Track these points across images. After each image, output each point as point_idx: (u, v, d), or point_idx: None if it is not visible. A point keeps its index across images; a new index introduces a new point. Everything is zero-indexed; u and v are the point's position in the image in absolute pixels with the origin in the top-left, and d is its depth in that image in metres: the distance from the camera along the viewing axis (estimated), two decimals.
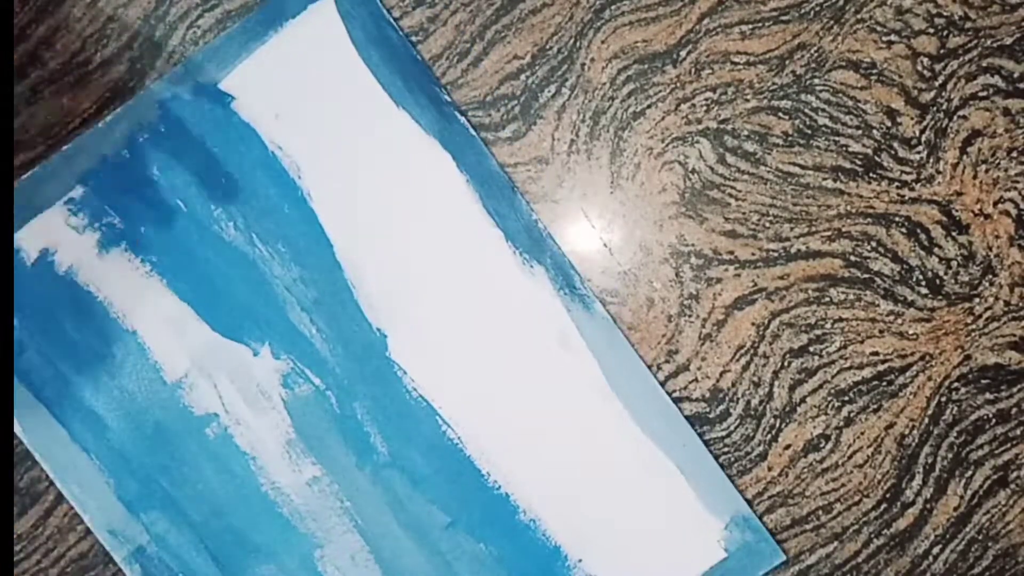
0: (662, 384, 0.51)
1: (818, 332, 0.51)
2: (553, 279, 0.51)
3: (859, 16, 0.51)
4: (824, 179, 0.51)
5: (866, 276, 0.51)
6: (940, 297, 0.51)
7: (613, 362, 0.51)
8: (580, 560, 0.51)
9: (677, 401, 0.51)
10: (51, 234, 0.52)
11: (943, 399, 0.51)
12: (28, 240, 0.52)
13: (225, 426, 0.52)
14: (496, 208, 0.51)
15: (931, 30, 0.50)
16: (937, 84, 0.51)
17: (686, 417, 0.51)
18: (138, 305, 0.52)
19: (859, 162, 0.51)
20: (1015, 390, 0.51)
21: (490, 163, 0.51)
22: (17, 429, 0.51)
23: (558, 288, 0.51)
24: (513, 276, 0.51)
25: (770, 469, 0.51)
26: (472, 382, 0.52)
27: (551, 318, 0.51)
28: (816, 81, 0.51)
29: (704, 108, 0.51)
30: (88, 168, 0.52)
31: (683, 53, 0.51)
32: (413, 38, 0.51)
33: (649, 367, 0.51)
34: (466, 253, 0.52)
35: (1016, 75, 0.51)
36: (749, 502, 0.51)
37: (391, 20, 0.52)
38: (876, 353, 0.51)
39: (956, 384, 0.51)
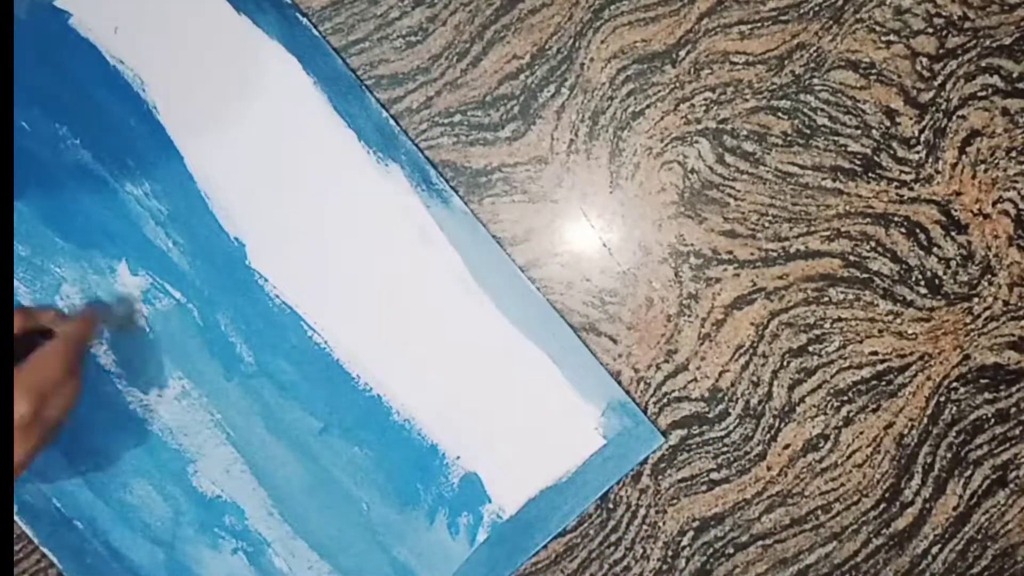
0: (661, 384, 0.51)
1: (817, 332, 0.51)
2: (409, 176, 0.51)
3: (858, 16, 0.51)
4: (823, 179, 0.51)
5: (865, 276, 0.51)
6: (939, 297, 0.51)
7: (476, 255, 0.50)
8: (458, 457, 0.51)
9: (676, 400, 0.51)
10: None
11: (942, 399, 0.51)
12: None
13: (87, 347, 0.51)
14: (346, 108, 0.51)
15: (930, 30, 0.50)
16: (936, 84, 0.51)
17: (685, 417, 0.51)
18: None
19: (858, 162, 0.51)
20: (1014, 390, 0.51)
21: (336, 63, 0.50)
22: None
23: (415, 185, 0.51)
24: (368, 176, 0.51)
25: (769, 469, 0.52)
26: (335, 286, 0.51)
27: (410, 215, 0.51)
28: (815, 81, 0.51)
29: (703, 108, 0.51)
30: None
31: (682, 53, 0.51)
32: (412, 37, 0.51)
33: (648, 366, 0.51)
34: (319, 156, 0.51)
35: (1015, 75, 0.51)
36: (625, 389, 0.51)
37: None
38: (875, 353, 0.51)
39: (955, 384, 0.51)
